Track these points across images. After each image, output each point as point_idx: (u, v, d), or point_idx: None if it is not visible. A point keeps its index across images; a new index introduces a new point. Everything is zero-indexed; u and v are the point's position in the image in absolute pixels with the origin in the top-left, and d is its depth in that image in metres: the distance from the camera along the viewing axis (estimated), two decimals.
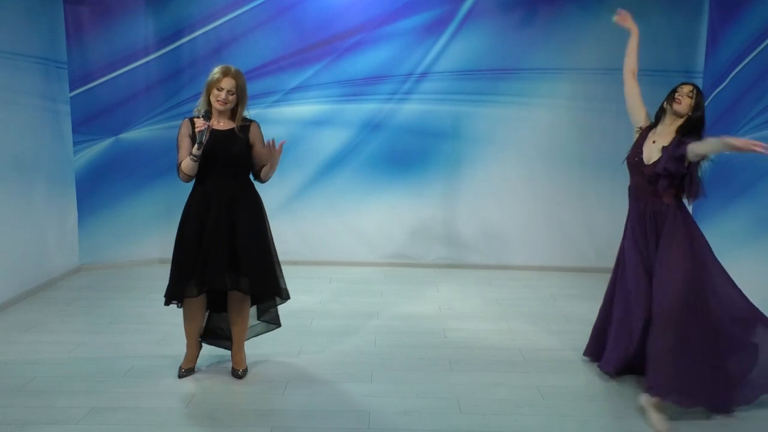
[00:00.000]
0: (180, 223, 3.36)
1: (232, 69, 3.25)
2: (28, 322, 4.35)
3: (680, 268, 3.09)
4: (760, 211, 4.63)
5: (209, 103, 3.26)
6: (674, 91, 3.21)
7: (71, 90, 5.52)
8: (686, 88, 3.19)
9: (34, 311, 4.59)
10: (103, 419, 3.01)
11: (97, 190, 5.73)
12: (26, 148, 4.90)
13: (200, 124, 3.13)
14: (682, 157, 3.09)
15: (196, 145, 3.15)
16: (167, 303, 3.39)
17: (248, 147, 3.32)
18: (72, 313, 4.59)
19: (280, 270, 3.50)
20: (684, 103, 3.16)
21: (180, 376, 3.47)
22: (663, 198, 3.19)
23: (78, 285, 5.31)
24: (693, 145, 3.06)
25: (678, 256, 3.11)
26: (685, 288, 3.07)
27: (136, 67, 5.71)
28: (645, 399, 3.10)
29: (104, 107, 5.66)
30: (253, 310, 3.61)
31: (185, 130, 3.28)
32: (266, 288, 3.42)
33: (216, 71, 3.22)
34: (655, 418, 3.02)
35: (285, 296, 3.55)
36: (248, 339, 3.62)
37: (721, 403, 3.15)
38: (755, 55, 4.77)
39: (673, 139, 3.16)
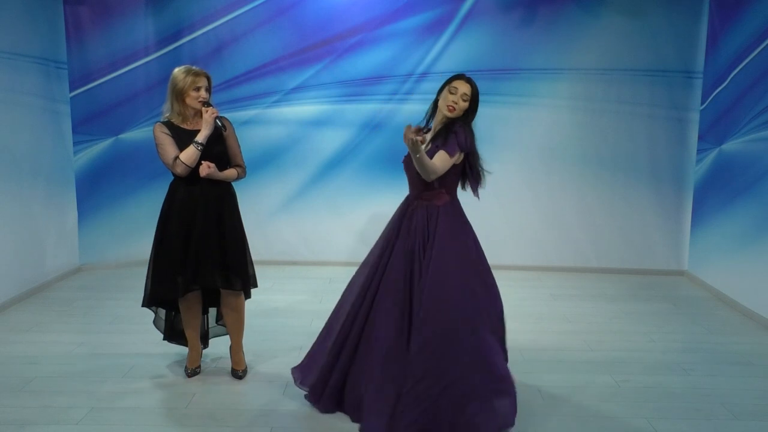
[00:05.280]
0: (160, 224, 3.32)
1: (198, 68, 3.26)
2: (28, 322, 4.35)
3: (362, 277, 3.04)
4: (761, 211, 4.63)
5: (184, 104, 3.23)
6: (449, 88, 2.92)
7: (71, 90, 5.52)
8: (462, 88, 2.91)
9: (34, 311, 4.59)
10: (103, 419, 3.02)
11: (97, 190, 5.73)
12: (26, 148, 4.90)
13: (214, 111, 3.19)
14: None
15: (207, 132, 3.16)
16: (147, 305, 3.39)
17: (225, 144, 3.34)
18: (72, 313, 4.59)
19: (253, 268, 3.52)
20: (459, 108, 2.94)
21: (189, 376, 3.48)
22: (435, 200, 2.95)
23: (78, 285, 5.31)
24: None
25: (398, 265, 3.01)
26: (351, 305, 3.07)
27: (136, 67, 5.71)
28: None
29: (104, 107, 5.66)
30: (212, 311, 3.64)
31: (163, 129, 3.22)
32: (248, 285, 3.43)
33: (185, 76, 3.19)
34: None
35: (248, 295, 3.53)
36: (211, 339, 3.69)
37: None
38: (755, 55, 4.77)
39: (439, 132, 2.94)
